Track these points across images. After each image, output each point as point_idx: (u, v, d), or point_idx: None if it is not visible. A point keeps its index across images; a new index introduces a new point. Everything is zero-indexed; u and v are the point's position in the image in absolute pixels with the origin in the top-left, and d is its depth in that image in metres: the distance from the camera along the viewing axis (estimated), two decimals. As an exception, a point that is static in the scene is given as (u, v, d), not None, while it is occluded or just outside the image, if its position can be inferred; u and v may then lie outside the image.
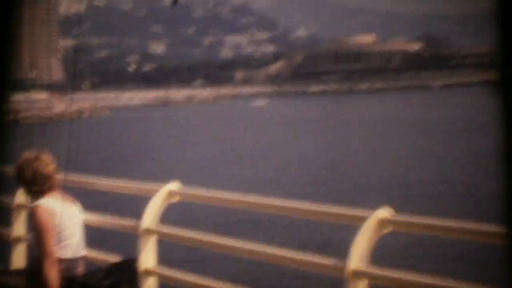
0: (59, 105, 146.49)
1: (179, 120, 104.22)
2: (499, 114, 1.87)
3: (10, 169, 6.41)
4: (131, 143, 65.90)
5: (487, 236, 4.53)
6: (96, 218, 6.66)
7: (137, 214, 6.27)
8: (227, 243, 5.92)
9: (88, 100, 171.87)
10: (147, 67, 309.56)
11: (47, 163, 5.84)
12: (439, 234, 5.14)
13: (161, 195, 6.20)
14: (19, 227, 7.70)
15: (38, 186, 5.80)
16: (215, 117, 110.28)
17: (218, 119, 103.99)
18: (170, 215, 6.33)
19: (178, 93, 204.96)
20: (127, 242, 6.57)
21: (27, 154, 5.90)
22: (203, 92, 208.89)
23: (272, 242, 5.57)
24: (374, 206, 4.96)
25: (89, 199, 6.75)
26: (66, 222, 5.79)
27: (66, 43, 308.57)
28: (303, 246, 19.28)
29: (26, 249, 7.34)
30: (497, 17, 1.84)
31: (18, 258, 7.55)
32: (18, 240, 7.58)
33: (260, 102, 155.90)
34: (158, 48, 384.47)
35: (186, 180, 6.67)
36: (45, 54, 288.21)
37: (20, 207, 7.59)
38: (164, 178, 6.64)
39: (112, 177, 7.46)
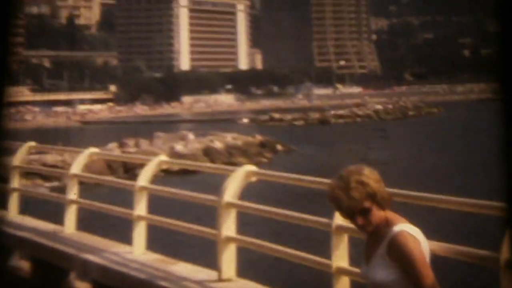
0: (374, 100, 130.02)
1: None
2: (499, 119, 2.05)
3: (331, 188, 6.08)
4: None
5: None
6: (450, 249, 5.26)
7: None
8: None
9: (412, 95, 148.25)
10: (487, 50, 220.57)
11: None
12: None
13: None
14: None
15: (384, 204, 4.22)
16: None
17: None
18: None
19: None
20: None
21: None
22: None
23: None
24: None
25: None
26: (428, 259, 4.13)
27: (380, 23, 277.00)
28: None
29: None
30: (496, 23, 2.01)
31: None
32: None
33: None
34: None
35: None
36: (355, 39, 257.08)
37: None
38: None
39: None
